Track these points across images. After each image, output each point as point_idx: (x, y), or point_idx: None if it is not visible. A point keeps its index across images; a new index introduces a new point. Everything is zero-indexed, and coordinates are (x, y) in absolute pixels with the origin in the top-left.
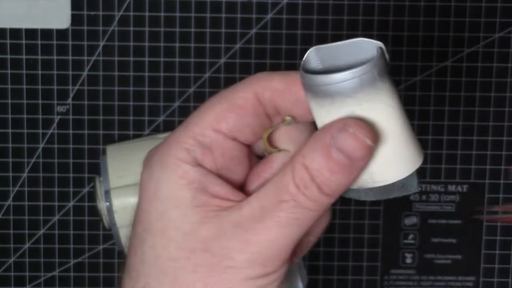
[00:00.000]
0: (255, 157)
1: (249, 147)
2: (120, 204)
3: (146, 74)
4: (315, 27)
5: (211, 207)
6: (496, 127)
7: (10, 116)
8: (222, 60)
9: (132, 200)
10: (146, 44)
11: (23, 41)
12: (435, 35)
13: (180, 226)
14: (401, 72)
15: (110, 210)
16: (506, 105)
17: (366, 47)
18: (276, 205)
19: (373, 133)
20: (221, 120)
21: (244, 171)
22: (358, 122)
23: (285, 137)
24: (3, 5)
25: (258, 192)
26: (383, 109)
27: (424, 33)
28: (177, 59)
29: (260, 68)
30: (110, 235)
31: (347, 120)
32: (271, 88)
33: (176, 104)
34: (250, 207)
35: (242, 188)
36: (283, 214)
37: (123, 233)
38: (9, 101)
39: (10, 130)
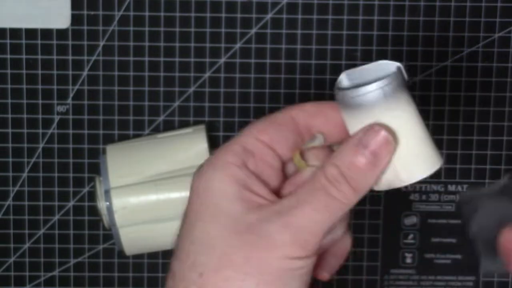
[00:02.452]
0: (286, 176)
1: (283, 164)
2: (120, 204)
3: (146, 74)
4: (315, 27)
5: (253, 202)
6: (496, 127)
7: (10, 116)
8: (222, 60)
9: (132, 200)
10: (146, 44)
11: (23, 41)
12: (435, 35)
13: (229, 213)
14: None
15: (110, 210)
16: (506, 105)
17: (387, 67)
18: (310, 195)
19: (394, 133)
20: (262, 132)
21: (278, 181)
22: (381, 124)
23: (313, 157)
24: (3, 5)
25: (294, 191)
26: (403, 115)
27: (424, 33)
28: (177, 59)
29: (260, 68)
30: (110, 235)
31: (373, 123)
32: (305, 110)
33: (176, 104)
34: (288, 200)
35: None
36: (317, 201)
37: (123, 233)
38: (9, 101)
39: (10, 130)
